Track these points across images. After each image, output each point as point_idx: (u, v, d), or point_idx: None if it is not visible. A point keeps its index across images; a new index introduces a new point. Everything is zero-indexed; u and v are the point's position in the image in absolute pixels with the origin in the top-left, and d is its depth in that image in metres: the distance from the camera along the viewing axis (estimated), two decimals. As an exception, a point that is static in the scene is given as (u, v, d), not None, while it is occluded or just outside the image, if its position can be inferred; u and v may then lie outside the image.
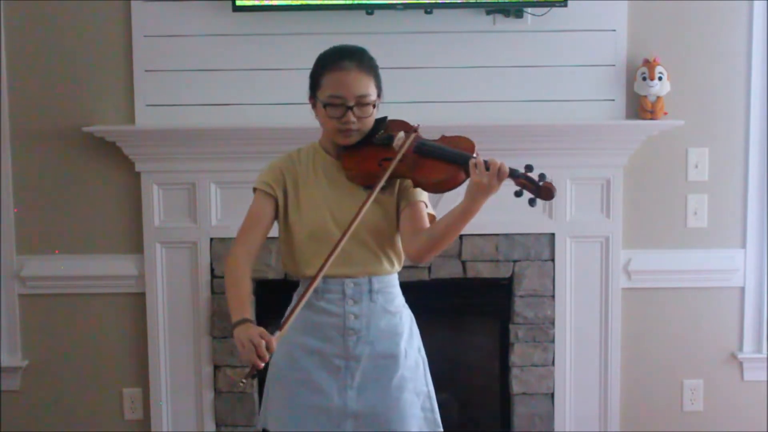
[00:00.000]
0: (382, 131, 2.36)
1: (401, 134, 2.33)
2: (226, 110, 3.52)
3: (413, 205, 2.33)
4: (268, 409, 2.40)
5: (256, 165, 3.47)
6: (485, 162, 2.16)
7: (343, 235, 2.21)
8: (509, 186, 2.20)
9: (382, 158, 2.29)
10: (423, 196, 2.35)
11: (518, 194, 2.18)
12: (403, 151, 2.28)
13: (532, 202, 2.16)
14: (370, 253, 2.33)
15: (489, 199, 2.19)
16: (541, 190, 2.15)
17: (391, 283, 2.40)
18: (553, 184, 2.17)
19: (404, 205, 2.33)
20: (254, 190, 2.38)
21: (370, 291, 2.34)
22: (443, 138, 2.36)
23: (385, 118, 2.39)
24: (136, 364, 3.66)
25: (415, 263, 2.41)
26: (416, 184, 2.31)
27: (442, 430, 2.45)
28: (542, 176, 2.17)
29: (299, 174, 2.35)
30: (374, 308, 2.34)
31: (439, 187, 2.28)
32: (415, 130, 2.35)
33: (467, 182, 2.22)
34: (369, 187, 2.28)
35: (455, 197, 2.30)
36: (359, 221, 2.24)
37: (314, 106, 2.35)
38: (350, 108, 2.27)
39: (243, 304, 2.22)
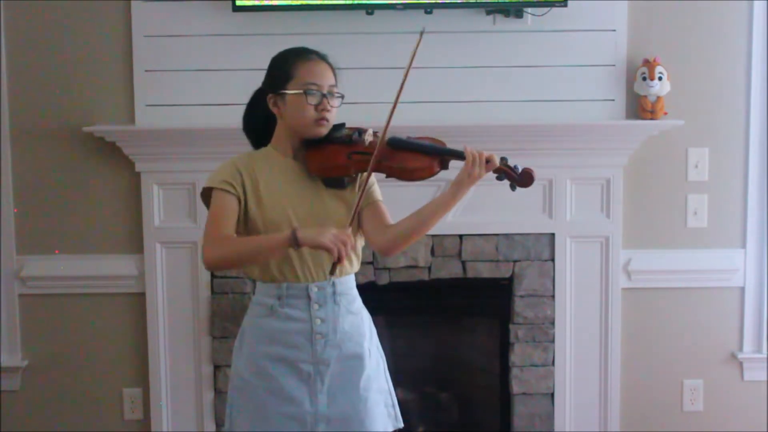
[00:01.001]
0: (345, 131, 2.39)
1: (371, 130, 2.38)
2: (226, 110, 3.51)
3: (375, 203, 2.38)
4: (234, 423, 2.37)
5: (256, 165, 3.49)
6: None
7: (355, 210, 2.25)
8: (506, 185, 2.31)
9: (351, 152, 2.33)
10: (380, 195, 2.41)
11: (500, 179, 2.31)
12: (381, 139, 2.30)
13: (512, 187, 2.30)
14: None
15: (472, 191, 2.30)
16: (522, 175, 2.28)
17: (350, 285, 2.41)
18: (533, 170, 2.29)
19: (365, 204, 2.36)
20: (207, 190, 2.32)
21: (334, 293, 2.35)
22: (411, 138, 2.39)
23: (343, 124, 2.41)
24: (136, 364, 3.66)
25: (385, 256, 2.45)
26: (391, 173, 2.33)
27: (402, 425, 2.46)
28: (516, 167, 2.30)
29: (257, 172, 2.33)
30: (338, 311, 2.35)
31: (414, 175, 2.32)
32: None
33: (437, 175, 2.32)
34: (333, 181, 2.33)
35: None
36: (327, 217, 2.30)
37: (276, 103, 2.34)
38: (325, 96, 2.31)
39: (269, 234, 2.24)
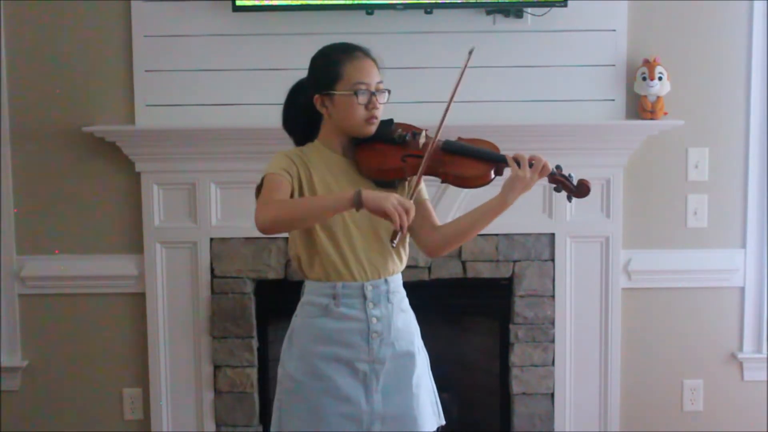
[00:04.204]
0: (399, 132, 2.36)
1: (424, 132, 2.36)
2: (226, 110, 3.52)
3: (423, 203, 2.36)
4: (285, 425, 2.33)
5: (256, 165, 3.46)
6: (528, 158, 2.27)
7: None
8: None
9: (405, 154, 2.31)
10: (427, 194, 2.40)
11: (557, 190, 2.31)
12: (433, 143, 2.29)
13: (569, 199, 2.32)
14: (387, 254, 2.33)
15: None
16: (579, 188, 2.28)
17: (400, 283, 2.40)
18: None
19: (418, 202, 2.34)
20: (263, 178, 2.29)
21: (387, 292, 2.33)
22: (462, 139, 2.39)
23: (392, 120, 2.39)
24: (136, 364, 3.67)
25: (430, 256, 2.45)
26: (445, 179, 2.32)
27: (444, 422, 2.46)
28: (571, 176, 2.30)
29: (312, 168, 2.30)
30: (392, 309, 2.34)
31: (469, 183, 2.32)
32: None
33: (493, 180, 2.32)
34: (384, 182, 2.30)
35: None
36: (381, 219, 2.25)
37: (324, 103, 2.31)
38: (373, 94, 2.29)
39: (331, 193, 2.21)
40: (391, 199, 2.09)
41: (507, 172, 2.34)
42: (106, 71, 3.53)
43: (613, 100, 3.56)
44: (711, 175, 3.64)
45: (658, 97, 3.50)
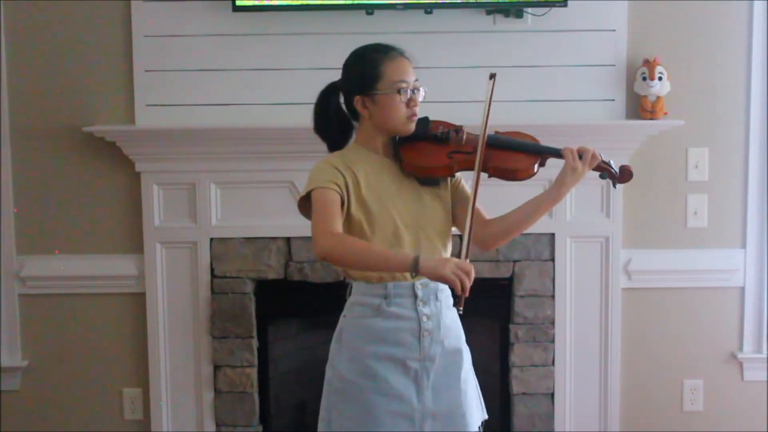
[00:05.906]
0: (441, 129, 2.39)
1: (464, 127, 2.39)
2: (226, 110, 3.52)
3: (469, 198, 2.35)
4: (334, 425, 2.32)
5: (256, 165, 3.50)
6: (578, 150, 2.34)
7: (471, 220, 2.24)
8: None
9: (450, 151, 2.34)
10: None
11: (602, 177, 2.43)
12: (483, 138, 2.30)
13: (614, 185, 2.45)
14: (434, 252, 2.34)
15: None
16: (622, 173, 2.42)
17: None
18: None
19: (458, 199, 2.39)
20: (310, 192, 2.26)
21: (436, 290, 2.35)
22: (499, 133, 2.42)
23: (427, 118, 2.40)
24: (136, 364, 3.67)
25: (484, 250, 2.49)
26: (494, 173, 2.35)
27: (487, 416, 2.47)
28: (610, 162, 2.41)
29: (356, 172, 2.29)
30: (440, 306, 2.36)
31: (516, 175, 2.36)
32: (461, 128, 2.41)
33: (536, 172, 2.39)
34: (430, 179, 2.32)
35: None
36: (428, 217, 2.32)
37: (365, 103, 2.30)
38: (413, 92, 2.31)
39: (392, 251, 2.21)
40: (449, 265, 2.11)
41: (549, 163, 2.39)
42: (106, 71, 3.53)
43: (613, 100, 3.56)
44: (711, 175, 3.64)
45: (658, 97, 3.50)
